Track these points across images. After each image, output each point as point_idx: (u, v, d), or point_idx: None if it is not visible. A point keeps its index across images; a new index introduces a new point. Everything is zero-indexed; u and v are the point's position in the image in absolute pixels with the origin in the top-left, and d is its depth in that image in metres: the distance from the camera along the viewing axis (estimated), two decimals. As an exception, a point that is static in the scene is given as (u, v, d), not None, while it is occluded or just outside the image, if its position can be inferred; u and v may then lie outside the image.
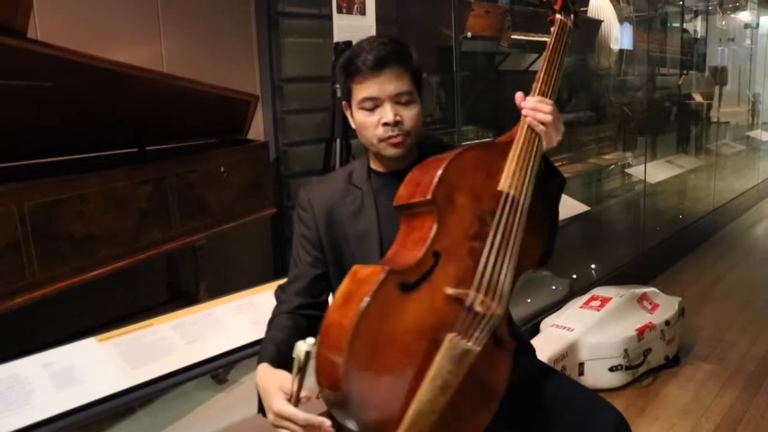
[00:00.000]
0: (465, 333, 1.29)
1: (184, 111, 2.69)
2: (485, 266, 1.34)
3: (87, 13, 2.72)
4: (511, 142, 1.44)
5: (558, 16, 1.58)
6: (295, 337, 1.27)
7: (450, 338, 1.27)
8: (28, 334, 2.23)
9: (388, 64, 1.43)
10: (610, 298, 3.21)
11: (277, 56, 3.38)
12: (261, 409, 1.37)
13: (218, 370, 2.65)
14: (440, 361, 1.25)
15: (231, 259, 3.17)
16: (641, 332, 3.01)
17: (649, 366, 3.07)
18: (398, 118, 1.44)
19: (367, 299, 1.19)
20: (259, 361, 1.40)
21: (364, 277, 1.24)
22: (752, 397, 2.89)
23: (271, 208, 3.11)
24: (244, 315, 2.09)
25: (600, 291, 3.36)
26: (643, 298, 3.29)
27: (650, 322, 3.08)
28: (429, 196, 1.32)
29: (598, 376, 2.92)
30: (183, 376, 1.82)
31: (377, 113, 1.45)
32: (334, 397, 1.20)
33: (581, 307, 3.19)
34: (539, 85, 1.49)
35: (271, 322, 1.52)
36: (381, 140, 1.46)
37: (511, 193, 1.38)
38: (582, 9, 4.66)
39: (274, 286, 2.26)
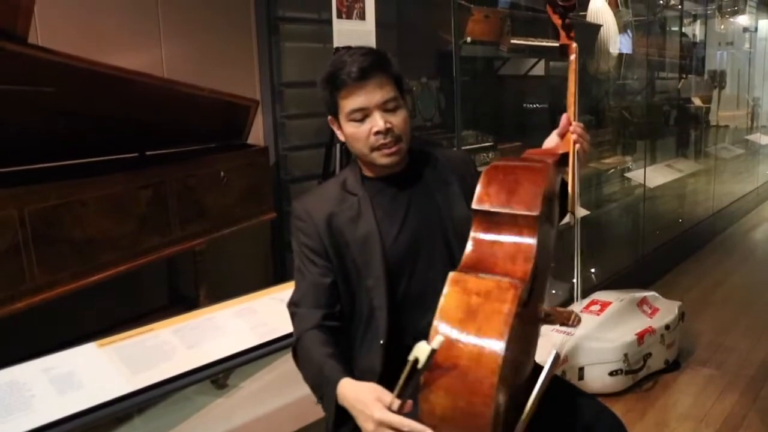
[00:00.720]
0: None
1: (184, 116, 2.69)
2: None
3: (87, 18, 2.72)
4: (554, 155, 1.50)
5: (574, 44, 1.66)
6: (338, 349, 1.35)
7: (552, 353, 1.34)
8: (28, 339, 2.23)
9: (372, 74, 1.45)
10: (610, 303, 3.21)
11: (277, 61, 3.39)
12: (338, 425, 1.35)
13: (218, 375, 2.65)
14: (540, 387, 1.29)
15: (231, 264, 3.17)
16: (641, 336, 3.01)
17: (649, 370, 3.07)
18: (389, 125, 1.46)
19: (509, 319, 1.15)
20: (329, 383, 1.35)
21: (487, 291, 1.20)
22: (752, 402, 2.89)
23: (270, 212, 3.11)
24: (244, 320, 2.08)
25: (600, 295, 3.36)
26: (642, 302, 3.29)
27: (650, 327, 3.08)
28: (536, 213, 1.29)
29: (598, 380, 2.92)
30: (183, 381, 1.81)
31: (367, 123, 1.47)
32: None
33: (581, 312, 3.19)
34: (573, 110, 1.57)
35: (302, 342, 1.48)
36: (373, 149, 1.48)
37: (577, 215, 1.53)
38: (581, 14, 4.67)
39: (274, 290, 2.28)
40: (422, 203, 1.56)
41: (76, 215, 2.18)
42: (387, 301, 1.48)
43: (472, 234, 1.35)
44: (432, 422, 1.16)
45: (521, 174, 1.36)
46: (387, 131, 1.46)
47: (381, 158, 1.49)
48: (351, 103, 1.47)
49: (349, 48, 1.54)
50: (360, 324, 1.52)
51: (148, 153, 2.74)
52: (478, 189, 1.36)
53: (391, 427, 1.18)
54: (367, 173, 1.58)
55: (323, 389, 1.38)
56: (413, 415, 1.19)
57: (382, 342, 1.48)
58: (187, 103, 2.63)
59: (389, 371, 1.38)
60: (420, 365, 1.11)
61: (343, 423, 1.33)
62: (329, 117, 1.57)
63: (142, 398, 1.74)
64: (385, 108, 1.47)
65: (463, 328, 1.17)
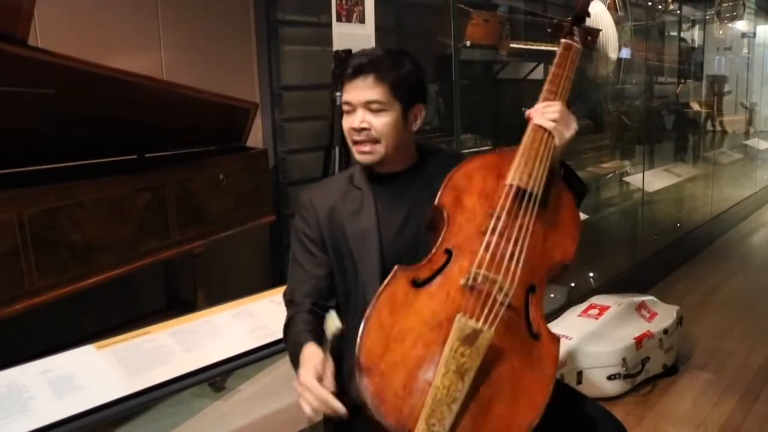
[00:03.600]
0: (473, 312, 1.31)
1: (184, 118, 2.69)
2: (492, 249, 1.38)
3: (87, 20, 2.73)
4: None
5: (563, 40, 1.68)
6: (321, 329, 1.40)
7: (458, 317, 1.29)
8: (26, 341, 2.23)
9: (363, 73, 1.49)
10: (608, 307, 3.21)
11: (276, 64, 3.39)
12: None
13: (216, 378, 2.65)
14: (451, 342, 1.27)
15: (229, 267, 3.17)
16: (639, 341, 3.01)
17: (647, 375, 3.07)
18: (364, 124, 1.50)
19: (375, 297, 1.33)
20: (300, 349, 1.43)
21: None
22: (750, 406, 2.89)
23: (269, 215, 3.11)
24: (242, 323, 2.09)
25: (598, 299, 3.37)
26: (641, 306, 3.29)
27: (648, 331, 3.08)
28: (436, 203, 1.45)
29: (596, 384, 2.92)
30: (181, 384, 1.81)
31: (352, 117, 1.52)
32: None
33: (579, 316, 3.19)
34: (545, 94, 1.57)
35: (291, 322, 1.55)
36: (352, 144, 1.54)
37: (516, 184, 1.43)
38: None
39: (272, 293, 2.28)
40: (425, 204, 1.56)
41: (74, 218, 2.18)
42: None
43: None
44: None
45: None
46: (361, 130, 1.50)
47: (357, 154, 1.54)
48: (345, 95, 1.53)
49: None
50: (354, 317, 1.53)
51: (147, 155, 2.74)
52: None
53: (308, 390, 1.30)
54: (375, 168, 1.60)
55: (297, 357, 1.43)
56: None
57: None
58: (187, 106, 2.63)
59: None
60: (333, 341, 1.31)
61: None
62: None
63: (140, 401, 1.74)
64: (368, 108, 1.50)
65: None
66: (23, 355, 1.81)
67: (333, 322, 1.32)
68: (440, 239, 1.42)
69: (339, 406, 1.27)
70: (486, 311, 1.31)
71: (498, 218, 1.41)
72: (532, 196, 1.42)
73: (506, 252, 1.38)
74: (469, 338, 1.27)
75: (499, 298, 1.33)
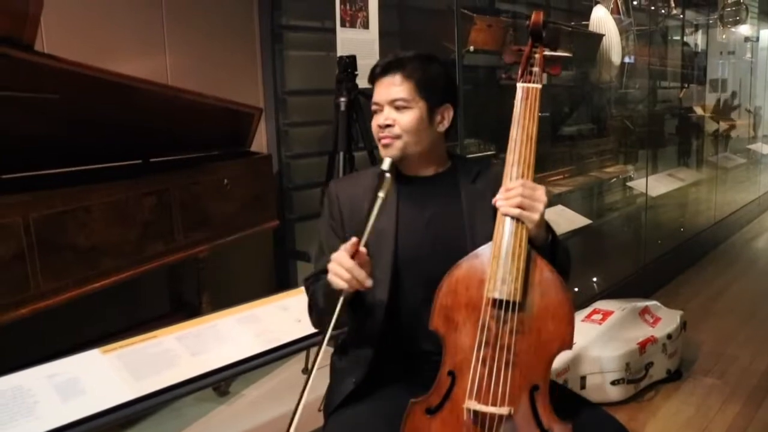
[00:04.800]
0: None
1: (188, 123, 2.70)
2: (488, 363, 1.39)
3: (93, 26, 2.74)
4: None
5: (520, 84, 1.52)
6: None
7: None
8: (32, 346, 2.24)
9: (388, 72, 1.55)
10: (612, 312, 3.21)
11: (280, 69, 3.40)
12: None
13: (220, 382, 2.65)
14: None
15: (233, 271, 3.17)
16: (643, 346, 3.01)
17: (651, 380, 3.07)
18: (388, 121, 1.54)
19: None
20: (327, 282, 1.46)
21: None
22: (755, 412, 2.88)
23: (273, 220, 3.12)
24: (247, 327, 2.09)
25: (602, 304, 3.36)
26: (644, 311, 3.29)
27: (652, 336, 3.08)
28: (430, 327, 1.44)
29: (599, 389, 2.91)
30: (186, 388, 1.82)
31: (378, 116, 1.56)
32: None
33: (583, 321, 3.19)
34: (507, 169, 1.47)
35: (311, 293, 1.61)
36: (378, 140, 1.57)
37: (494, 297, 1.39)
38: (583, 23, 4.69)
39: (276, 298, 2.29)
40: (449, 211, 1.59)
41: (80, 222, 2.18)
42: (387, 296, 1.54)
43: None
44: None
45: None
46: (385, 127, 1.54)
47: (381, 150, 1.57)
48: (373, 96, 1.58)
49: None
50: (362, 310, 1.56)
51: (152, 160, 2.75)
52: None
53: (339, 263, 1.38)
54: (403, 169, 1.61)
55: (327, 288, 1.46)
56: None
57: (376, 334, 1.54)
58: (191, 111, 2.64)
59: (379, 365, 1.52)
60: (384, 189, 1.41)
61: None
62: None
63: (145, 405, 1.75)
64: (394, 105, 1.54)
65: None
66: (29, 360, 1.81)
67: (386, 184, 1.42)
68: (443, 362, 1.43)
69: (364, 276, 1.37)
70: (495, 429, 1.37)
71: (488, 329, 1.39)
72: (514, 303, 1.38)
73: (501, 363, 1.38)
74: None
75: (504, 412, 1.37)
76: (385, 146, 1.55)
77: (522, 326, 1.39)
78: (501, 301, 1.38)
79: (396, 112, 1.54)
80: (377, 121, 1.56)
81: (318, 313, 1.58)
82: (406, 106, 1.53)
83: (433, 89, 1.55)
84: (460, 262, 1.45)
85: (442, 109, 1.57)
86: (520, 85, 1.51)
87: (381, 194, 1.41)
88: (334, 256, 1.40)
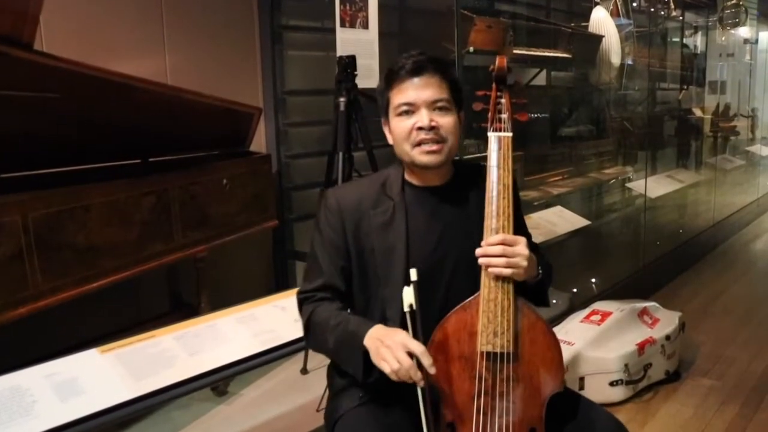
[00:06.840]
0: None
1: (188, 123, 2.70)
2: (486, 411, 1.40)
3: (92, 25, 2.74)
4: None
5: (492, 134, 1.51)
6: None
7: None
8: (30, 345, 2.24)
9: (426, 70, 1.45)
10: (611, 313, 3.21)
11: (280, 69, 3.41)
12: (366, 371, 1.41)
13: (219, 382, 2.65)
14: None
15: (232, 271, 3.17)
16: (642, 347, 3.01)
17: (649, 381, 3.07)
18: (433, 122, 1.44)
19: None
20: (357, 333, 1.40)
21: None
22: (753, 413, 2.88)
23: (272, 220, 3.12)
24: (245, 327, 2.09)
25: (600, 305, 3.36)
26: (643, 312, 3.29)
27: (651, 337, 3.08)
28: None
29: (598, 390, 2.91)
30: (185, 388, 1.82)
31: (413, 118, 1.45)
32: None
33: (582, 322, 3.19)
34: (489, 222, 1.44)
35: (315, 313, 1.49)
36: (415, 145, 1.46)
37: (486, 350, 1.40)
38: (583, 24, 4.70)
39: (275, 298, 2.29)
40: (460, 225, 1.52)
41: (79, 221, 2.18)
42: (400, 315, 1.43)
43: None
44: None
45: None
46: (431, 128, 1.44)
47: (421, 155, 1.46)
48: (401, 96, 1.46)
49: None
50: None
51: (151, 159, 2.75)
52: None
53: (409, 350, 1.29)
54: (409, 178, 1.55)
55: (350, 341, 1.39)
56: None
57: None
58: (191, 111, 2.64)
59: (389, 380, 1.41)
60: (414, 304, 1.31)
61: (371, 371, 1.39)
62: (383, 120, 1.55)
63: (144, 404, 1.75)
64: (434, 107, 1.45)
65: None
66: (27, 359, 1.81)
67: (407, 297, 1.33)
68: (441, 414, 1.42)
69: (419, 377, 1.29)
70: None
71: (483, 380, 1.41)
72: (507, 354, 1.39)
73: (501, 411, 1.40)
74: None
75: None
76: (430, 153, 1.45)
77: (516, 373, 1.41)
78: (494, 353, 1.40)
79: (437, 113, 1.45)
80: (416, 122, 1.44)
81: (322, 349, 1.51)
82: (447, 108, 1.46)
83: (459, 93, 1.51)
84: (449, 316, 1.43)
85: (461, 115, 1.53)
86: (492, 135, 1.51)
87: (413, 305, 1.34)
88: (396, 343, 1.31)
